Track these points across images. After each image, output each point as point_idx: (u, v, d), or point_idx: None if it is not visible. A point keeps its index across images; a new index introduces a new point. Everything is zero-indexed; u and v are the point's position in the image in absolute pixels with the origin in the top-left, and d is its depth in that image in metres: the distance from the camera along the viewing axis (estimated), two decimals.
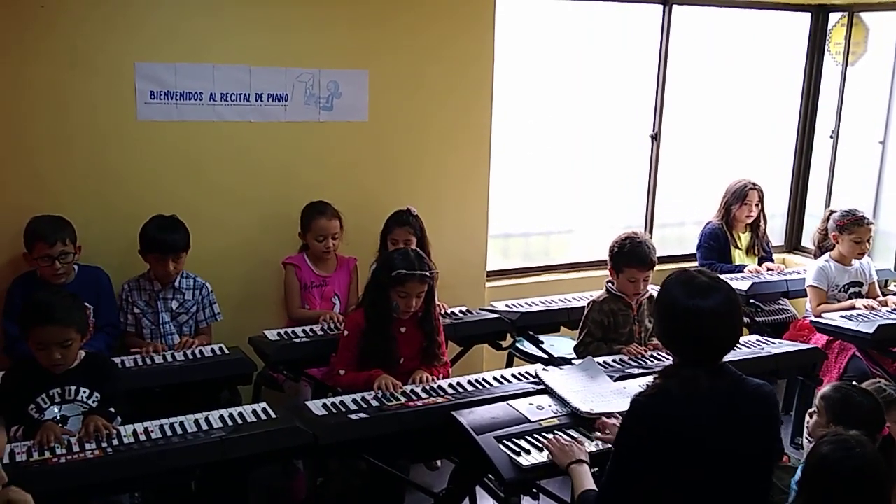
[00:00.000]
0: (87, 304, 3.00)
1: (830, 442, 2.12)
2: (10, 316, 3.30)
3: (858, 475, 2.05)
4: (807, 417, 2.80)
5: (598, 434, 2.59)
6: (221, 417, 2.66)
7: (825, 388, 2.73)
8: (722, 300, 2.09)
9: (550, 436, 2.53)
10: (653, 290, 3.68)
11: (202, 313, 3.62)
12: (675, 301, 2.12)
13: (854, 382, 2.84)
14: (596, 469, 2.42)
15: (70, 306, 2.73)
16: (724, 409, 2.10)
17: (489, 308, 4.04)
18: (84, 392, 2.73)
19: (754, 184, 4.93)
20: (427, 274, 3.15)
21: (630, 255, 3.50)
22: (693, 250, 5.07)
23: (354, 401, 2.85)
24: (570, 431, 2.62)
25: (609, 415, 2.67)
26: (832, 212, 4.46)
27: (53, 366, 2.67)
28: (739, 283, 4.39)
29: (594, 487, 2.24)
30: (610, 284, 3.63)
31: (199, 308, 3.62)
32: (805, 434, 2.82)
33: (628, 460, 2.12)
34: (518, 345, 4.04)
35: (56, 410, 2.68)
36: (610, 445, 2.50)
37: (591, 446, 2.52)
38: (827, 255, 4.40)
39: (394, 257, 3.18)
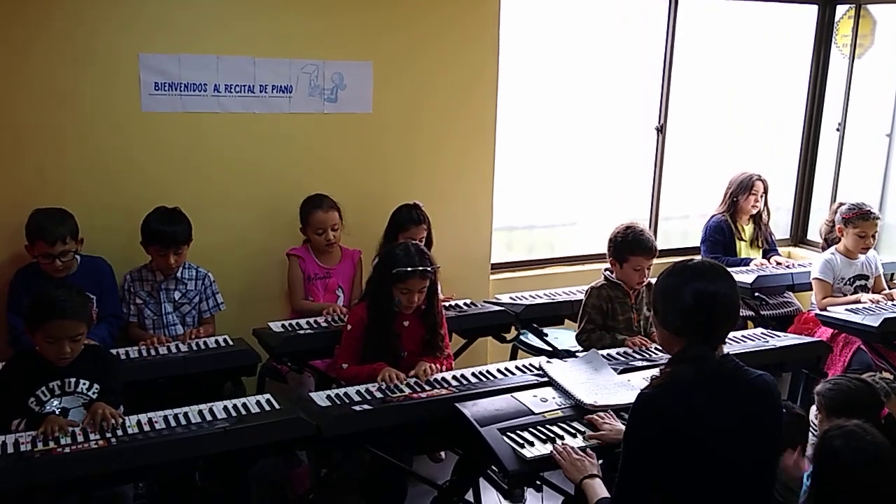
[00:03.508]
0: (89, 294, 3.00)
1: (840, 435, 2.11)
2: (15, 308, 3.30)
3: (869, 467, 2.04)
4: (811, 413, 2.81)
5: (590, 432, 2.57)
6: (225, 408, 2.65)
7: (819, 385, 2.73)
8: (726, 281, 2.16)
9: (560, 445, 2.49)
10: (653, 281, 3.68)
11: (205, 303, 3.62)
12: (685, 285, 2.13)
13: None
14: (601, 461, 2.42)
15: (83, 301, 2.75)
16: (729, 395, 2.10)
17: (493, 300, 4.04)
18: (84, 384, 2.73)
19: (759, 175, 4.92)
20: (428, 269, 3.13)
21: (634, 243, 3.51)
22: (697, 243, 5.05)
23: (358, 392, 2.85)
24: (575, 424, 2.62)
25: (613, 411, 2.66)
26: (840, 204, 4.44)
27: (61, 359, 2.68)
28: (744, 276, 4.38)
29: (608, 495, 2.23)
30: (608, 272, 3.63)
31: (202, 298, 3.62)
32: (811, 430, 2.82)
33: (641, 456, 2.10)
34: (522, 337, 4.04)
35: (56, 403, 2.69)
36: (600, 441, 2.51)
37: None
38: (833, 248, 4.39)
39: (395, 253, 3.15)
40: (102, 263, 3.52)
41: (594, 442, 2.51)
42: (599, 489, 2.26)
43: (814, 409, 2.79)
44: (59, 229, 3.28)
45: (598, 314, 3.59)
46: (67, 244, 3.30)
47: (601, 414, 2.63)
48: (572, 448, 2.42)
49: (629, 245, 3.52)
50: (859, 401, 2.58)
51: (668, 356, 2.24)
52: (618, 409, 2.67)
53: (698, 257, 4.79)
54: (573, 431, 2.57)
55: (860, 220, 4.27)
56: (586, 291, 3.67)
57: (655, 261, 5.07)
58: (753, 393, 2.13)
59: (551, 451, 2.42)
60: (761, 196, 4.92)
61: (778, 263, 4.79)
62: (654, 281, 3.62)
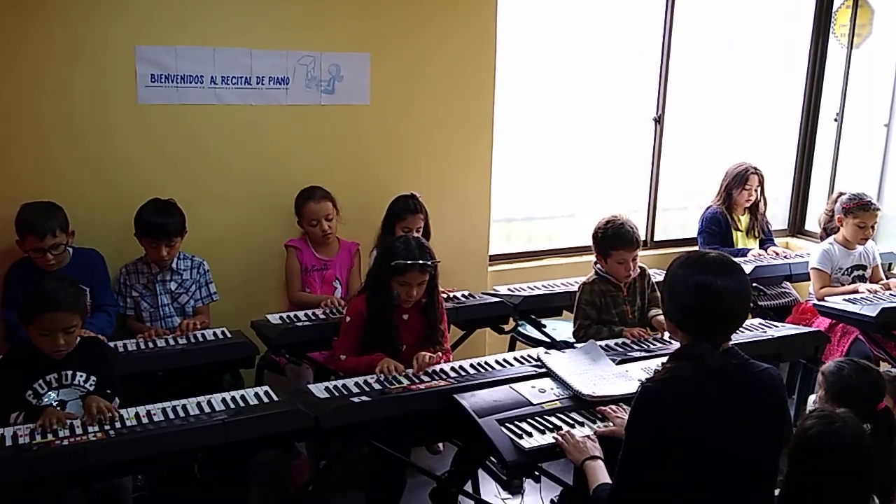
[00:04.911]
0: (83, 286, 3.00)
1: (815, 419, 2.13)
2: (9, 304, 3.29)
3: (840, 452, 2.06)
4: (810, 400, 2.81)
5: (601, 423, 2.57)
6: (224, 400, 2.65)
7: (827, 364, 2.73)
8: (736, 278, 2.12)
9: (561, 426, 2.52)
10: (656, 273, 3.69)
11: (198, 292, 3.62)
12: (689, 278, 2.11)
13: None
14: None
15: (75, 293, 2.75)
16: (733, 390, 2.09)
17: (491, 292, 4.04)
18: (81, 376, 2.73)
19: (755, 168, 4.92)
20: (428, 263, 3.12)
21: (615, 237, 3.51)
22: (696, 234, 5.06)
23: (357, 384, 2.85)
24: (573, 415, 2.62)
25: (611, 401, 2.66)
26: (841, 194, 4.43)
27: (55, 352, 2.67)
28: (742, 266, 4.37)
29: (609, 481, 2.23)
30: (598, 266, 3.64)
31: (197, 287, 3.62)
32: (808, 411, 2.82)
33: (640, 448, 2.10)
34: (520, 328, 4.04)
35: (54, 395, 2.69)
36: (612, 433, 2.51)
37: (593, 429, 2.52)
38: (831, 238, 4.39)
39: (395, 246, 3.14)
40: (94, 254, 3.52)
41: (605, 432, 2.51)
42: (601, 472, 2.27)
43: (812, 397, 2.80)
44: (48, 223, 3.26)
45: (592, 309, 3.59)
46: (58, 237, 3.28)
47: (613, 407, 2.63)
48: (575, 430, 2.44)
49: (610, 239, 3.52)
50: (858, 386, 2.57)
51: (668, 348, 2.24)
52: (618, 400, 2.67)
53: (713, 251, 4.83)
54: (571, 422, 2.57)
55: (860, 210, 4.26)
56: (579, 288, 3.67)
57: (654, 253, 5.13)
58: (757, 388, 2.12)
59: (554, 437, 2.43)
60: (756, 189, 4.92)
61: (776, 254, 4.79)
62: (646, 269, 3.69)
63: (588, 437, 2.43)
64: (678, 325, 2.17)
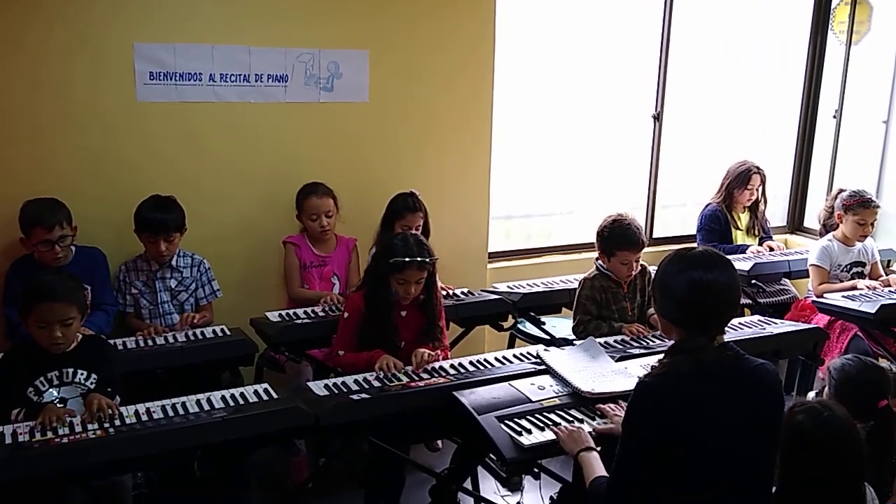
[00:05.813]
0: (84, 284, 3.00)
1: (803, 412, 2.14)
2: (10, 301, 3.29)
3: (829, 442, 2.07)
4: (809, 397, 2.82)
5: (600, 420, 2.57)
6: (223, 398, 2.65)
7: (835, 359, 2.72)
8: (725, 271, 2.13)
9: (559, 422, 2.53)
10: (655, 270, 3.68)
11: (201, 290, 3.62)
12: (680, 274, 2.13)
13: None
14: (599, 448, 2.42)
15: (72, 286, 2.75)
16: (730, 385, 2.09)
17: (491, 289, 4.04)
18: (82, 374, 2.73)
19: (758, 167, 4.91)
20: (426, 260, 3.12)
21: (621, 238, 3.50)
22: (695, 231, 5.06)
23: (356, 381, 2.85)
24: (573, 412, 2.62)
25: (610, 398, 2.67)
26: (841, 190, 4.43)
27: (53, 345, 2.67)
28: (741, 263, 4.38)
29: (605, 474, 2.24)
30: (599, 263, 3.64)
31: (199, 285, 3.62)
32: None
33: (638, 444, 2.10)
34: (519, 326, 4.04)
35: (55, 393, 2.69)
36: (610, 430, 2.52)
37: (592, 426, 2.52)
38: (830, 235, 4.39)
39: (394, 243, 3.14)
40: (97, 253, 3.52)
41: (605, 429, 2.51)
42: (596, 464, 2.27)
43: (811, 395, 2.81)
44: (55, 215, 3.29)
45: (592, 305, 3.59)
46: (64, 229, 3.31)
47: (611, 405, 2.63)
48: (568, 422, 2.44)
49: (616, 240, 3.52)
50: (859, 383, 2.57)
51: (667, 345, 2.24)
52: (617, 397, 2.67)
53: (697, 246, 4.82)
54: (570, 419, 2.57)
55: (860, 207, 4.26)
56: (579, 283, 3.67)
57: (653, 250, 5.13)
58: (753, 383, 2.12)
59: (552, 430, 2.44)
60: (757, 188, 4.92)
61: (771, 249, 4.79)
62: (647, 266, 3.69)
63: (581, 424, 2.43)
64: (674, 322, 2.17)
